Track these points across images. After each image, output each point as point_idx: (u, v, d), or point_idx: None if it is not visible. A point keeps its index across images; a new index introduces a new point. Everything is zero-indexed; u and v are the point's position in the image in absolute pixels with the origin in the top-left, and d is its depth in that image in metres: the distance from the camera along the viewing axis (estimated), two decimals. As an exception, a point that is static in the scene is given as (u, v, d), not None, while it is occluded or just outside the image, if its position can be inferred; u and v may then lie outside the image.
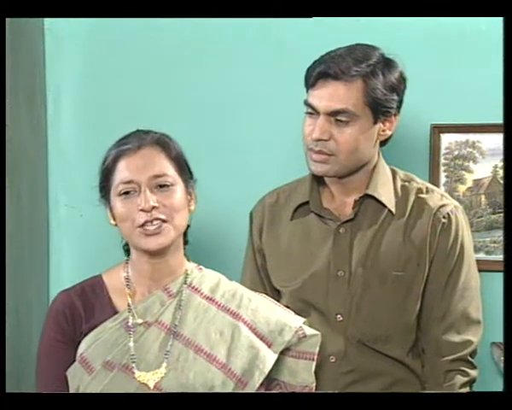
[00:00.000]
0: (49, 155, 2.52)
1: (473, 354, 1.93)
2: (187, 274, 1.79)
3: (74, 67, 2.49)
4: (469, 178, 2.35)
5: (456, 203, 2.00)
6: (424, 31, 2.30)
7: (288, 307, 1.88)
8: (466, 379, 1.91)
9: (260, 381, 1.68)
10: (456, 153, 2.35)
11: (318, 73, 1.86)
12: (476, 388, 1.93)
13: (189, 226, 1.79)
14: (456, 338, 1.91)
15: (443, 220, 1.93)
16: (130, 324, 1.72)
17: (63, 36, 2.47)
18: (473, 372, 1.92)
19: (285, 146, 2.27)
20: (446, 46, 2.32)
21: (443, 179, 2.35)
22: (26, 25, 2.33)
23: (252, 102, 2.41)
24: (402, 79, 1.92)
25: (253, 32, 2.37)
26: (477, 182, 2.35)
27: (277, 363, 1.72)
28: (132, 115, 2.38)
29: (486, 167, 2.34)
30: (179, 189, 1.73)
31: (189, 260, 1.82)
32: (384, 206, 1.94)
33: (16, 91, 2.27)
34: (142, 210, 1.68)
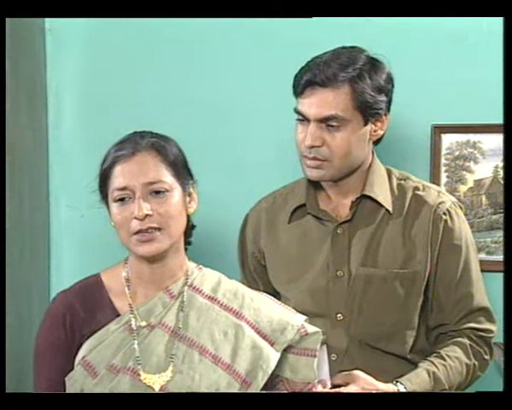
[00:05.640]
0: (49, 155, 2.52)
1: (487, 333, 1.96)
2: (187, 275, 1.78)
3: (75, 68, 2.49)
4: (470, 179, 2.35)
5: (453, 198, 2.02)
6: (425, 31, 2.30)
7: None
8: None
9: (264, 381, 1.68)
10: (456, 153, 2.34)
11: (306, 82, 1.88)
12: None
13: (194, 226, 1.79)
14: (476, 325, 1.94)
15: (444, 217, 1.94)
16: (133, 326, 1.71)
17: (64, 36, 2.47)
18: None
19: (283, 145, 2.27)
20: (447, 46, 2.32)
21: (444, 180, 2.35)
22: (26, 25, 2.33)
23: (250, 102, 2.41)
24: (389, 80, 1.93)
25: (252, 32, 2.37)
26: (478, 182, 2.35)
27: (280, 360, 1.71)
28: (132, 115, 2.39)
29: (487, 168, 2.34)
30: (176, 194, 1.71)
31: (189, 259, 1.81)
32: (381, 205, 1.95)
33: (17, 92, 2.27)
34: (135, 218, 1.66)
